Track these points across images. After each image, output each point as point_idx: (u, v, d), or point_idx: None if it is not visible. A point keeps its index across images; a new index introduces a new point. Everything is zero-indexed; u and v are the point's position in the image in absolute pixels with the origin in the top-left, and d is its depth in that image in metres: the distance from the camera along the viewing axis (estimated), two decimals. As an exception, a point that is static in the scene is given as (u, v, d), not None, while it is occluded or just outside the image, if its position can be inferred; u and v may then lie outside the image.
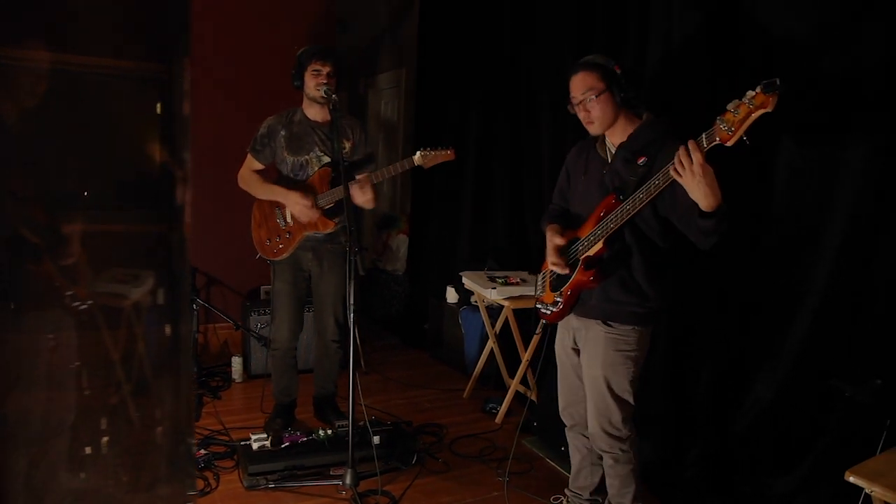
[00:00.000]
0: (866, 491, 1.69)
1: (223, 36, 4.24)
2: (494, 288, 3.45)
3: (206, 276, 4.24)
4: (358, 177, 2.94)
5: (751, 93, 1.69)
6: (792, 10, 2.32)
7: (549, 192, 3.74)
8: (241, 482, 2.72)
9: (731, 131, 1.72)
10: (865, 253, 2.19)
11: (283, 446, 2.82)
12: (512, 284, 3.52)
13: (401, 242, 5.56)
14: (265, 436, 2.85)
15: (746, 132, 1.72)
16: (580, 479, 2.53)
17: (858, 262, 2.21)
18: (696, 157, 1.78)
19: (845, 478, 1.72)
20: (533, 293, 3.42)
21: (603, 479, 2.45)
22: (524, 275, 3.74)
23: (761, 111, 1.68)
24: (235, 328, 3.99)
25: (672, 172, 1.85)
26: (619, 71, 2.13)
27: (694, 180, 1.80)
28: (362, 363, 4.27)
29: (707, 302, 2.68)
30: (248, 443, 2.83)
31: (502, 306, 3.53)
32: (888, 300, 2.13)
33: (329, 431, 2.92)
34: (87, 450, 0.64)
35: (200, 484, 2.69)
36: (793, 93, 2.27)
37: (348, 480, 2.55)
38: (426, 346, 4.74)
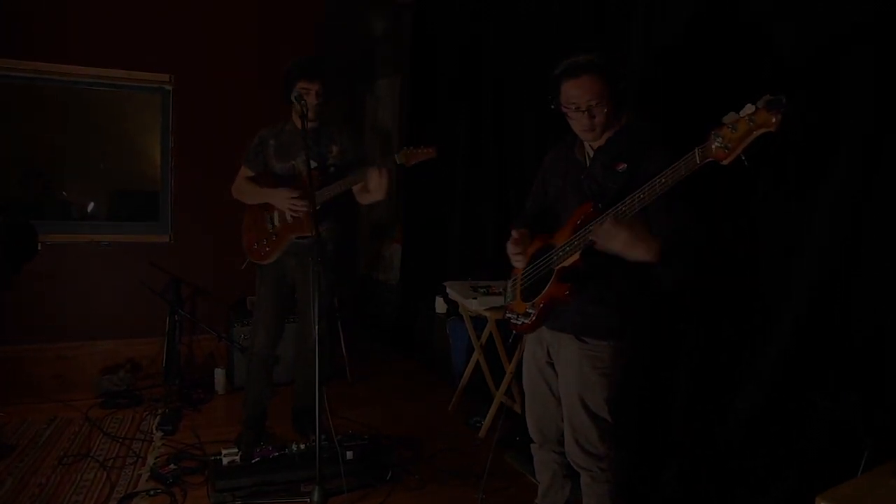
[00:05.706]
0: (837, 517, 1.58)
1: (211, 51, 4.24)
2: (476, 298, 3.37)
3: (192, 287, 4.20)
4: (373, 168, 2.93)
5: (750, 107, 1.52)
6: (789, 21, 2.18)
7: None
8: (209, 498, 2.66)
9: (728, 149, 1.55)
10: (848, 263, 2.09)
11: (253, 461, 2.75)
12: (494, 294, 3.44)
13: (394, 252, 5.50)
14: (237, 450, 2.79)
15: (745, 151, 1.55)
16: (551, 495, 2.42)
17: (842, 273, 2.10)
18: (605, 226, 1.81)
19: None
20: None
21: (572, 491, 2.36)
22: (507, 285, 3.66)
23: (763, 130, 1.51)
24: (218, 339, 3.96)
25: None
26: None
27: (608, 246, 1.84)
28: (348, 374, 4.21)
29: (687, 314, 2.58)
30: (218, 457, 2.77)
31: (488, 317, 3.45)
32: (869, 314, 2.02)
33: (302, 446, 2.85)
34: None
35: (167, 500, 2.63)
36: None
37: (315, 498, 2.48)
38: (416, 357, 4.67)
